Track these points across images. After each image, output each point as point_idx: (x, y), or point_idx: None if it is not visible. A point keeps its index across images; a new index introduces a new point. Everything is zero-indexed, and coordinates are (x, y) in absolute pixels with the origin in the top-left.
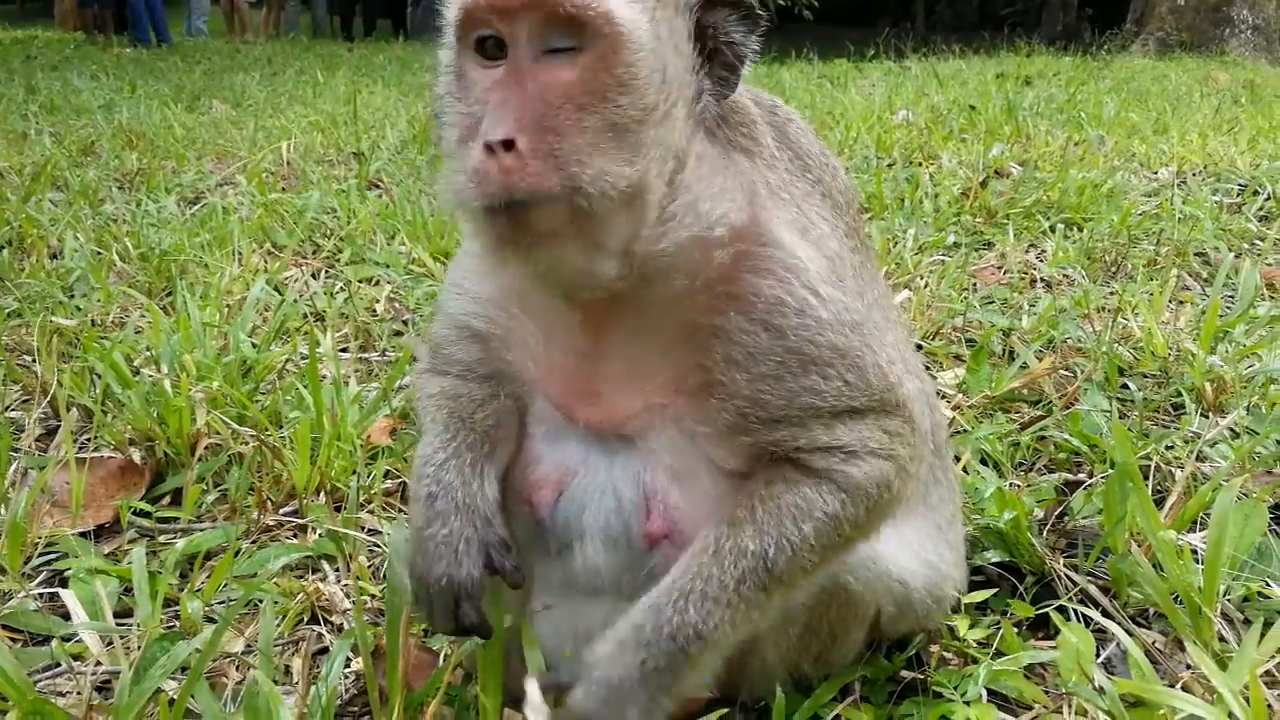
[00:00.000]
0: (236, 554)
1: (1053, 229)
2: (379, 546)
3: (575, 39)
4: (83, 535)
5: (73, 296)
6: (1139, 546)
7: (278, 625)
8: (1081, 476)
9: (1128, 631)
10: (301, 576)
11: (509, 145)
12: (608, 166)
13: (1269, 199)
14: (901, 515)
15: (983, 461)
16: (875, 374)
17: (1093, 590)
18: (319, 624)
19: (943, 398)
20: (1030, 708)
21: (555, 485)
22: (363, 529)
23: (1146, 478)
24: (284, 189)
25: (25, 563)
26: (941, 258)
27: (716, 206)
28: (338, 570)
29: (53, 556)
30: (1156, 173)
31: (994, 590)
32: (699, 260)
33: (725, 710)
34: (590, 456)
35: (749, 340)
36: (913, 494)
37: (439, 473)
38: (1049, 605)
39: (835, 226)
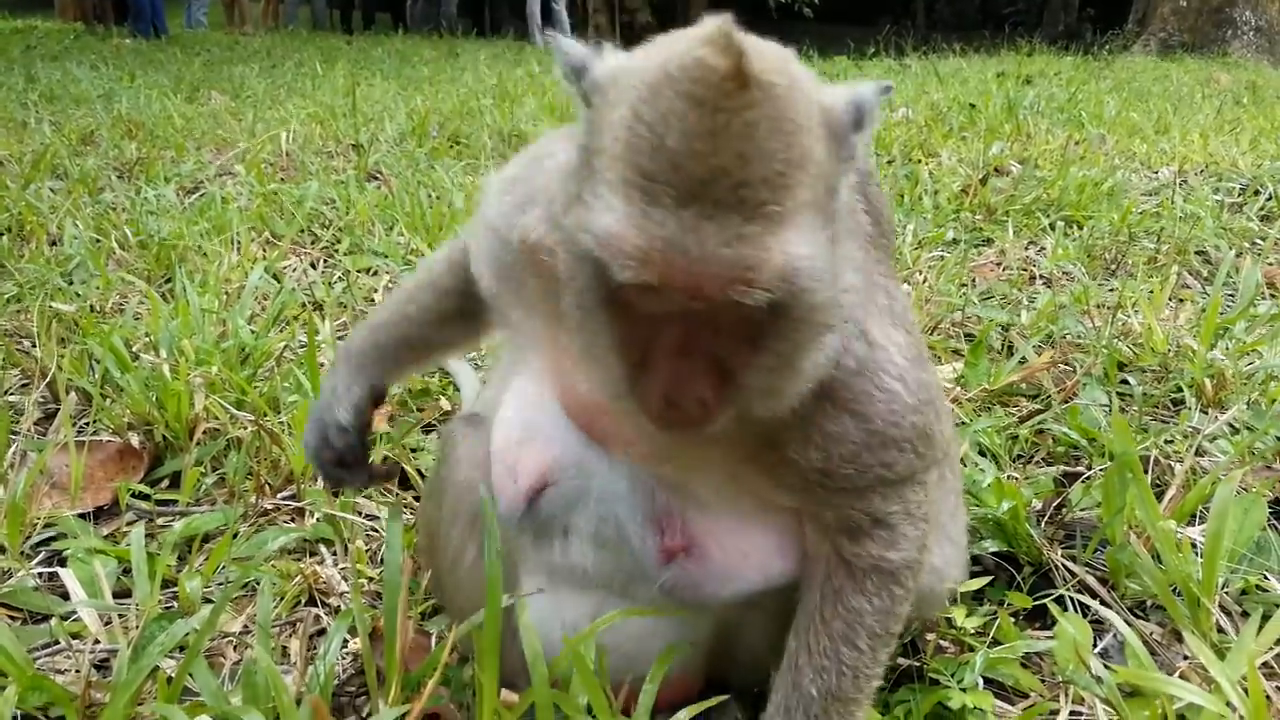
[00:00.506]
0: (234, 536)
1: (1052, 226)
2: (376, 531)
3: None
4: (82, 517)
5: (72, 283)
6: (1138, 538)
7: (275, 607)
8: (1080, 469)
9: (1125, 622)
10: (299, 559)
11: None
12: (784, 392)
13: (1270, 199)
14: None
15: (981, 453)
16: (939, 440)
17: (1090, 581)
18: (316, 606)
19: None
20: (1027, 696)
21: (542, 475)
22: (360, 513)
23: (1146, 471)
24: (283, 179)
25: (24, 542)
26: (941, 253)
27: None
28: (335, 554)
29: (52, 537)
30: (1157, 172)
31: (990, 578)
32: None
33: (725, 697)
34: (593, 458)
35: (833, 427)
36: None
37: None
38: (1047, 595)
39: (899, 283)
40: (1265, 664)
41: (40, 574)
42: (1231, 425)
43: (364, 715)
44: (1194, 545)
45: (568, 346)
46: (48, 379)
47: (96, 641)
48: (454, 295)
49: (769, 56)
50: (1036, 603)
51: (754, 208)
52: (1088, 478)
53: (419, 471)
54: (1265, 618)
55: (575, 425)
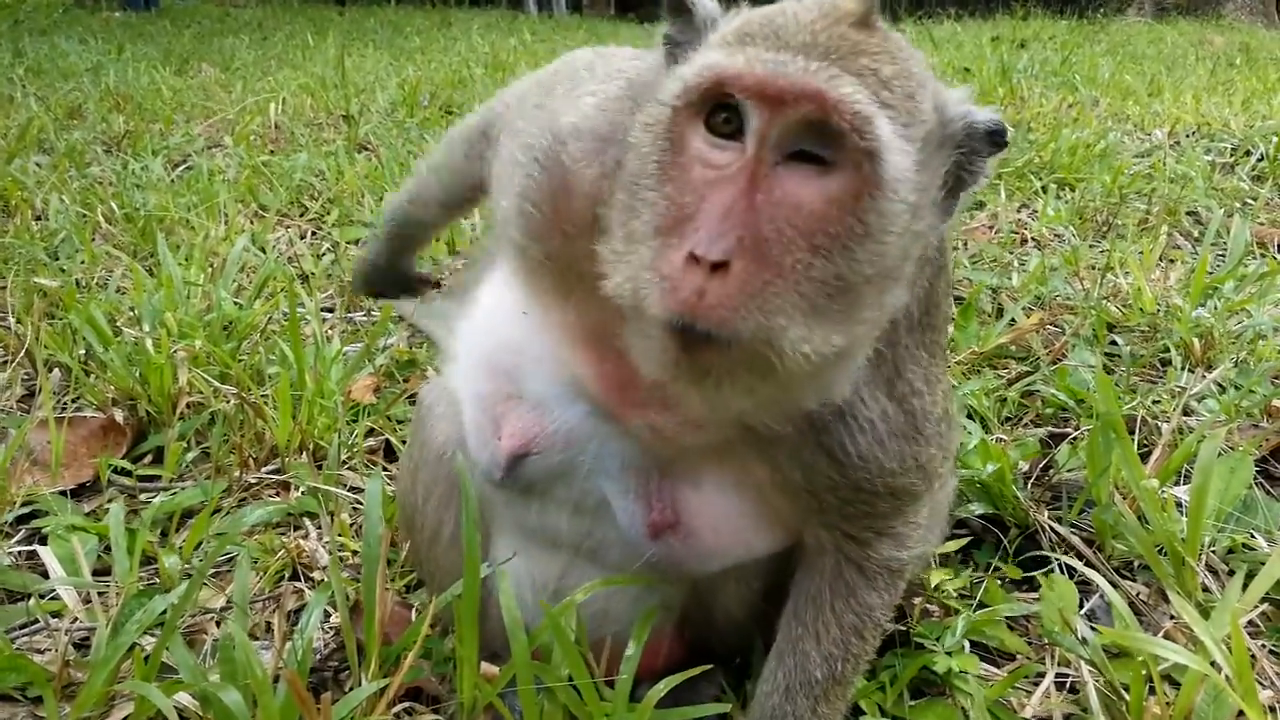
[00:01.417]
0: (217, 511)
1: (1045, 189)
2: (361, 504)
3: (831, 150)
4: (62, 494)
5: (57, 258)
6: (1123, 499)
7: (258, 581)
8: (1068, 430)
9: (1111, 583)
10: (283, 534)
11: (718, 266)
12: (815, 328)
13: (1261, 159)
14: None
15: (969, 416)
16: (925, 508)
17: (1076, 542)
18: (300, 581)
19: None
20: (1014, 658)
21: (526, 443)
22: (344, 486)
23: (1133, 432)
24: (272, 151)
25: (3, 520)
26: None
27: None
28: (319, 527)
29: (31, 514)
30: (1150, 134)
31: (969, 538)
32: None
33: (708, 667)
34: (585, 432)
35: (815, 464)
36: None
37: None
38: (1035, 557)
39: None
40: (1250, 621)
41: (19, 552)
42: (1219, 384)
43: (345, 689)
44: (1180, 504)
45: (608, 243)
46: (27, 353)
47: (75, 619)
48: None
49: (898, 35)
50: (1023, 566)
51: (856, 73)
52: (1075, 439)
53: (404, 442)
54: (1250, 576)
55: (578, 392)
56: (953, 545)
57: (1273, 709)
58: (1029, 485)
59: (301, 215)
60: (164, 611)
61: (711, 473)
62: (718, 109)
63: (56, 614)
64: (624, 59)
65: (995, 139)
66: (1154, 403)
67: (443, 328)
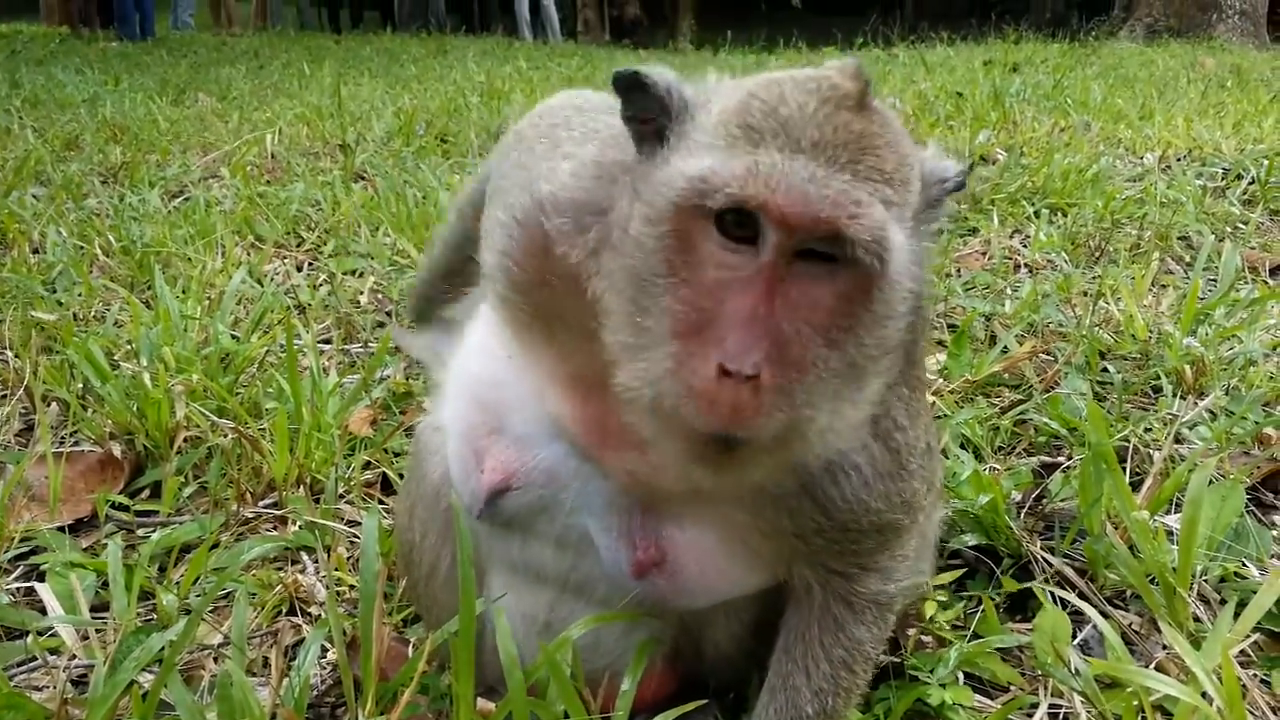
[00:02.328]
0: (215, 546)
1: (1037, 214)
2: (358, 538)
3: (838, 249)
4: (61, 530)
5: (54, 291)
6: (1115, 528)
7: (255, 617)
8: (1060, 459)
9: (1103, 613)
10: (281, 568)
11: (751, 377)
12: (835, 412)
13: (1253, 183)
14: None
15: (962, 446)
16: (912, 540)
17: (1069, 572)
18: (298, 616)
19: None
20: (1007, 689)
21: (507, 478)
22: (342, 520)
23: (1126, 460)
24: (268, 182)
25: (1, 557)
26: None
27: None
28: (317, 562)
29: (30, 550)
30: (1142, 157)
31: (963, 570)
32: None
33: (703, 701)
34: (567, 471)
35: (800, 508)
36: None
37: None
38: (1027, 586)
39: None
40: (1242, 651)
41: (17, 589)
42: (1211, 411)
43: None
44: (1171, 534)
45: (613, 333)
46: (25, 388)
47: (74, 657)
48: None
49: (884, 105)
50: (1016, 597)
51: (864, 178)
52: (1067, 468)
53: (400, 475)
54: (1242, 605)
55: (560, 431)
56: (947, 577)
57: None
58: (1022, 515)
59: (298, 246)
60: (162, 649)
61: (695, 512)
62: (733, 215)
63: (55, 651)
64: (599, 112)
65: (960, 184)
66: (1146, 430)
67: (435, 360)
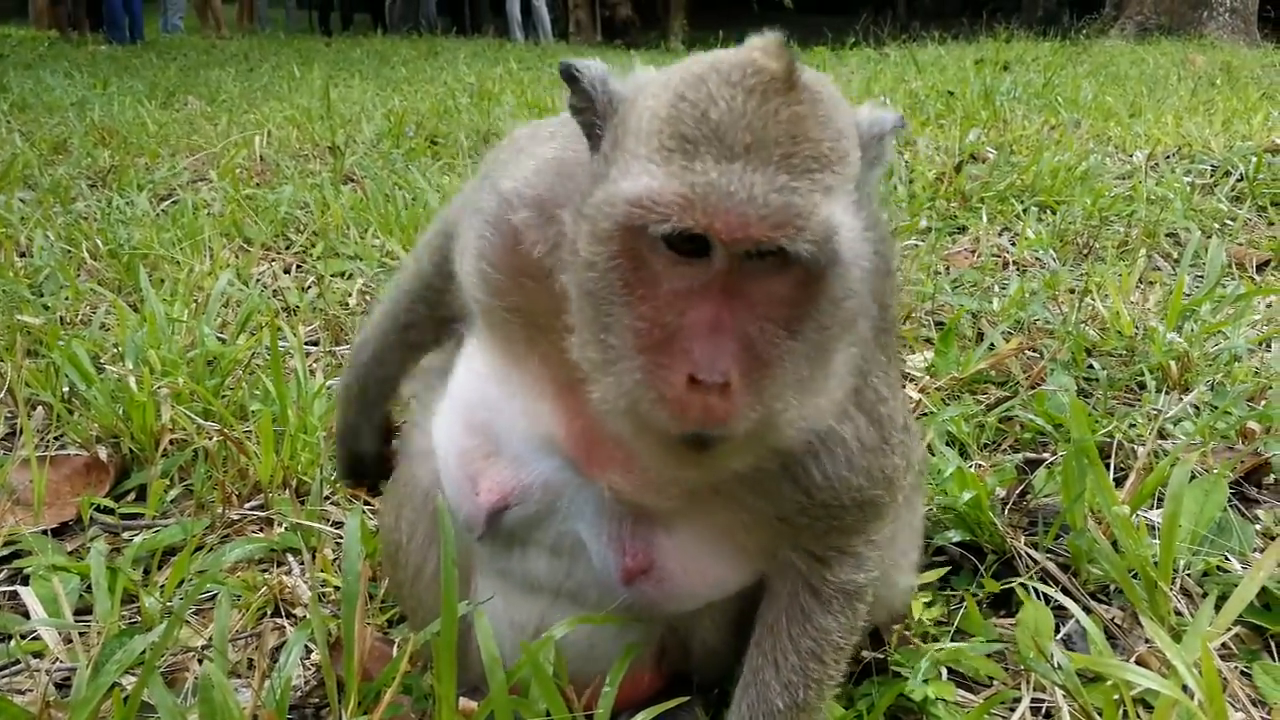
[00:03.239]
0: (199, 549)
1: (1026, 212)
2: (343, 539)
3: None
4: (45, 533)
5: (41, 295)
6: (1098, 524)
7: (240, 619)
8: (1045, 455)
9: (1086, 608)
10: (266, 570)
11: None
12: (805, 399)
13: (1240, 180)
14: None
15: (948, 443)
16: (888, 523)
17: (1052, 568)
18: (282, 617)
19: (911, 380)
20: (990, 684)
21: (505, 497)
22: (327, 521)
23: (1110, 456)
24: (258, 184)
25: None
26: (915, 243)
27: None
28: (302, 563)
29: (13, 554)
30: (1131, 155)
31: (948, 568)
32: None
33: (685, 699)
34: (561, 482)
35: (783, 488)
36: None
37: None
38: (1010, 583)
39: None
40: (1224, 644)
41: (1, 593)
42: (1195, 406)
43: None
44: (1154, 529)
45: (581, 349)
46: (9, 391)
47: (56, 660)
48: (426, 323)
49: (813, 73)
50: (1000, 593)
51: (801, 172)
52: (1051, 464)
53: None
54: (1223, 598)
55: (552, 447)
56: (931, 575)
57: None
58: (1006, 511)
59: (287, 248)
60: (144, 651)
61: (683, 517)
62: (681, 234)
63: (38, 654)
64: (565, 122)
65: (900, 124)
66: (1130, 426)
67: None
